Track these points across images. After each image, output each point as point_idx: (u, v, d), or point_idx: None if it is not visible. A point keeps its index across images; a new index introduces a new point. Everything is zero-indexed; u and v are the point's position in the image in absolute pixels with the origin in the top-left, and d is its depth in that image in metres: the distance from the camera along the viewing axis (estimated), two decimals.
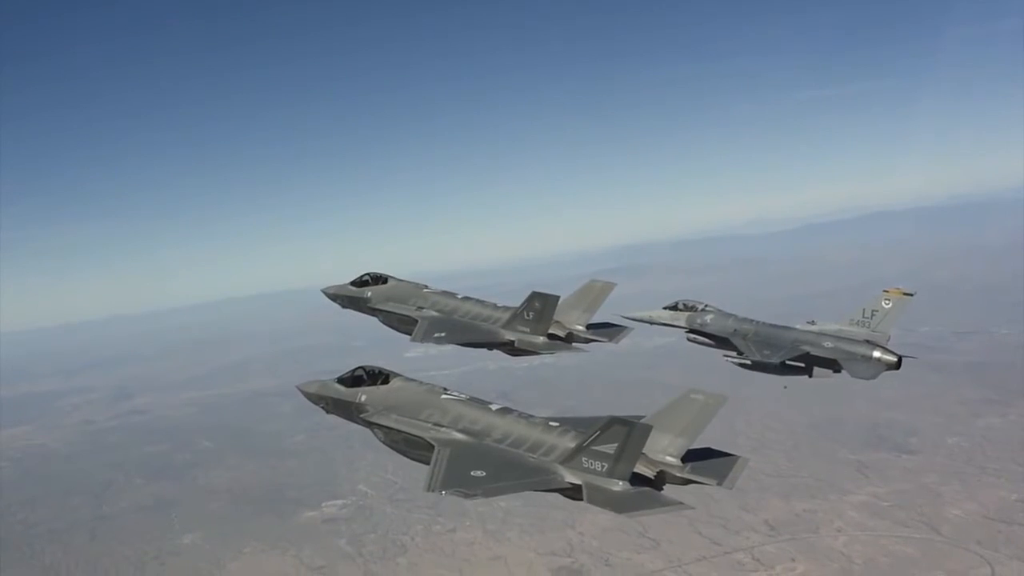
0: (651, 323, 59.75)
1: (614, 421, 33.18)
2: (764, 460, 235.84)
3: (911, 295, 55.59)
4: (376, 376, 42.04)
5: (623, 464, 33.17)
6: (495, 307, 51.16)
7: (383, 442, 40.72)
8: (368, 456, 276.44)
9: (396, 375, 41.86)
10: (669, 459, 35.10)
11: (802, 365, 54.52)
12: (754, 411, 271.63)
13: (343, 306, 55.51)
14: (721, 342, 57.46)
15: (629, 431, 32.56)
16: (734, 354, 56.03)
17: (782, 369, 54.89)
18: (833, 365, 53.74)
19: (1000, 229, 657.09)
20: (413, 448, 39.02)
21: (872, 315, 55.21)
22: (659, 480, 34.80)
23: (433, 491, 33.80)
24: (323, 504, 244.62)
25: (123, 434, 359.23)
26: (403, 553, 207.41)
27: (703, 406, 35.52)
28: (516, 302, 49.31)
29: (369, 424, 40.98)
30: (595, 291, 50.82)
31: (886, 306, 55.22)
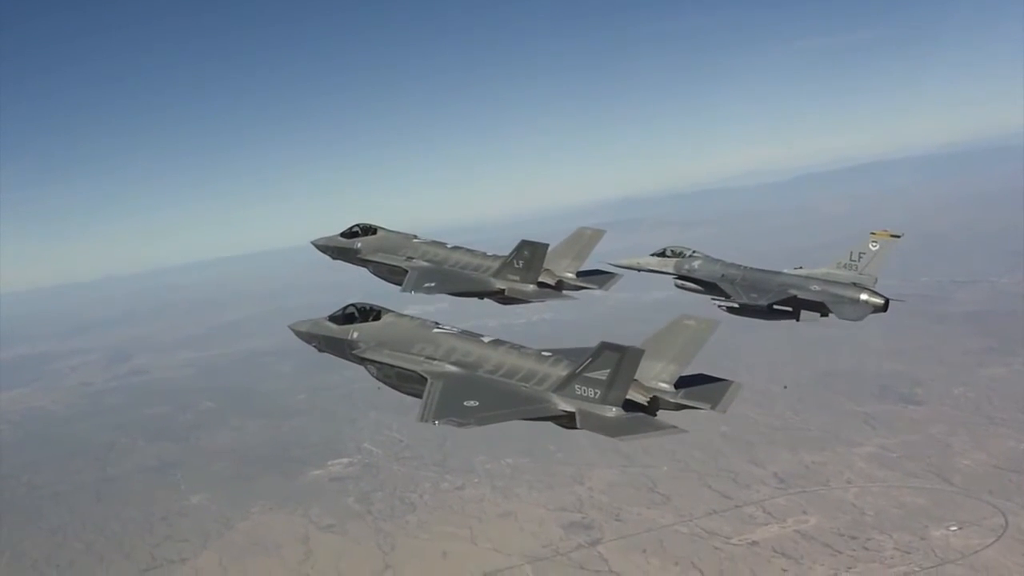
0: (639, 270, 59.76)
1: (605, 347, 33.07)
2: (770, 413, 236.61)
3: (898, 237, 55.19)
4: (367, 312, 42.11)
5: (616, 390, 33.26)
6: (485, 256, 51.14)
7: (376, 377, 40.81)
8: (371, 414, 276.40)
9: (388, 311, 41.83)
10: (662, 385, 35.21)
11: (789, 309, 55.25)
12: (754, 363, 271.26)
13: (333, 257, 55.67)
14: (709, 287, 57.68)
15: (621, 356, 32.55)
16: (722, 299, 56.23)
17: (770, 312, 55.55)
18: (821, 308, 54.45)
19: (996, 177, 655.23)
20: (406, 382, 39.16)
21: (859, 258, 55.13)
22: (652, 406, 34.87)
23: (426, 421, 33.69)
24: (329, 463, 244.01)
25: (123, 395, 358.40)
26: (412, 511, 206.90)
27: (695, 331, 35.75)
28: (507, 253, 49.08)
29: (361, 360, 41.10)
30: (584, 238, 51.00)
31: (873, 248, 55.03)
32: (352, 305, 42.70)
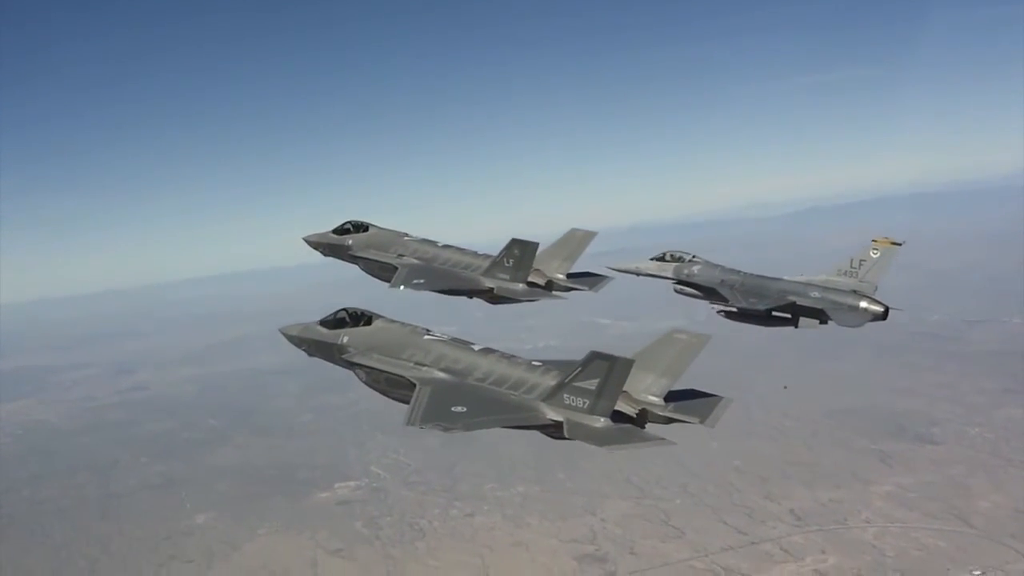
0: (638, 274, 60.15)
1: (595, 356, 33.37)
2: (784, 449, 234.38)
3: (899, 244, 55.58)
4: (359, 318, 42.37)
5: (604, 400, 33.49)
6: (475, 255, 51.19)
7: (364, 382, 41.06)
8: (378, 437, 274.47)
9: (379, 316, 42.02)
10: (651, 398, 35.56)
11: (788, 316, 55.31)
12: (769, 399, 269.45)
13: (324, 254, 55.92)
14: (708, 293, 57.84)
15: (611, 366, 32.84)
16: (721, 304, 56.55)
17: (768, 319, 55.73)
18: (820, 315, 54.56)
19: (1000, 216, 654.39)
20: (394, 388, 39.37)
21: (860, 265, 55.55)
22: (641, 418, 35.15)
23: (412, 425, 33.84)
24: (336, 485, 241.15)
25: (126, 411, 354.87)
26: (421, 537, 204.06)
27: (686, 346, 36.02)
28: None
29: (351, 365, 41.33)
30: (576, 240, 51.13)
31: (874, 256, 55.43)
32: (343, 310, 42.90)
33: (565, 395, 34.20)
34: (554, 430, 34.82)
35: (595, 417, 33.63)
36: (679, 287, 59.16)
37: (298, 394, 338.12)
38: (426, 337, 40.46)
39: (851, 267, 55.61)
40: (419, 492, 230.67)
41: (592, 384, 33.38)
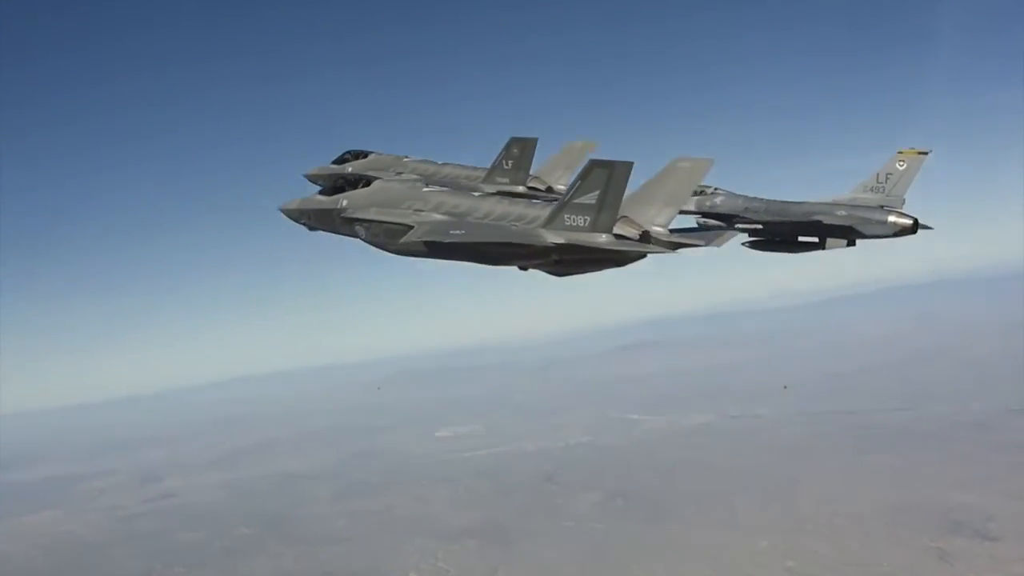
0: None
1: (594, 164, 33.41)
2: (838, 547, 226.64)
3: (926, 153, 54.68)
4: (357, 181, 43.19)
5: (606, 212, 33.52)
6: (475, 168, 51.31)
7: (365, 239, 40.84)
8: (415, 542, 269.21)
9: (377, 178, 42.54)
10: (656, 228, 35.93)
11: (815, 240, 55.30)
12: (814, 494, 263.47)
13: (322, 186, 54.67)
14: (732, 221, 57.06)
15: (610, 172, 32.81)
16: (747, 227, 56.42)
17: (795, 244, 56.09)
18: (848, 233, 54.17)
19: None
20: (395, 238, 39.07)
21: (887, 179, 55.00)
22: (643, 240, 35.60)
23: (409, 241, 34.99)
24: None
25: (155, 520, 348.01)
26: None
27: (688, 172, 35.95)
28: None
29: (350, 222, 41.26)
30: (575, 151, 51.16)
31: (900, 168, 54.63)
32: (341, 177, 43.97)
33: (566, 215, 34.42)
34: (557, 257, 35.51)
35: (597, 234, 33.87)
36: (703, 220, 58.69)
37: (330, 499, 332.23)
38: (425, 189, 41.16)
39: (877, 182, 55.41)
40: None
41: (592, 198, 33.29)
